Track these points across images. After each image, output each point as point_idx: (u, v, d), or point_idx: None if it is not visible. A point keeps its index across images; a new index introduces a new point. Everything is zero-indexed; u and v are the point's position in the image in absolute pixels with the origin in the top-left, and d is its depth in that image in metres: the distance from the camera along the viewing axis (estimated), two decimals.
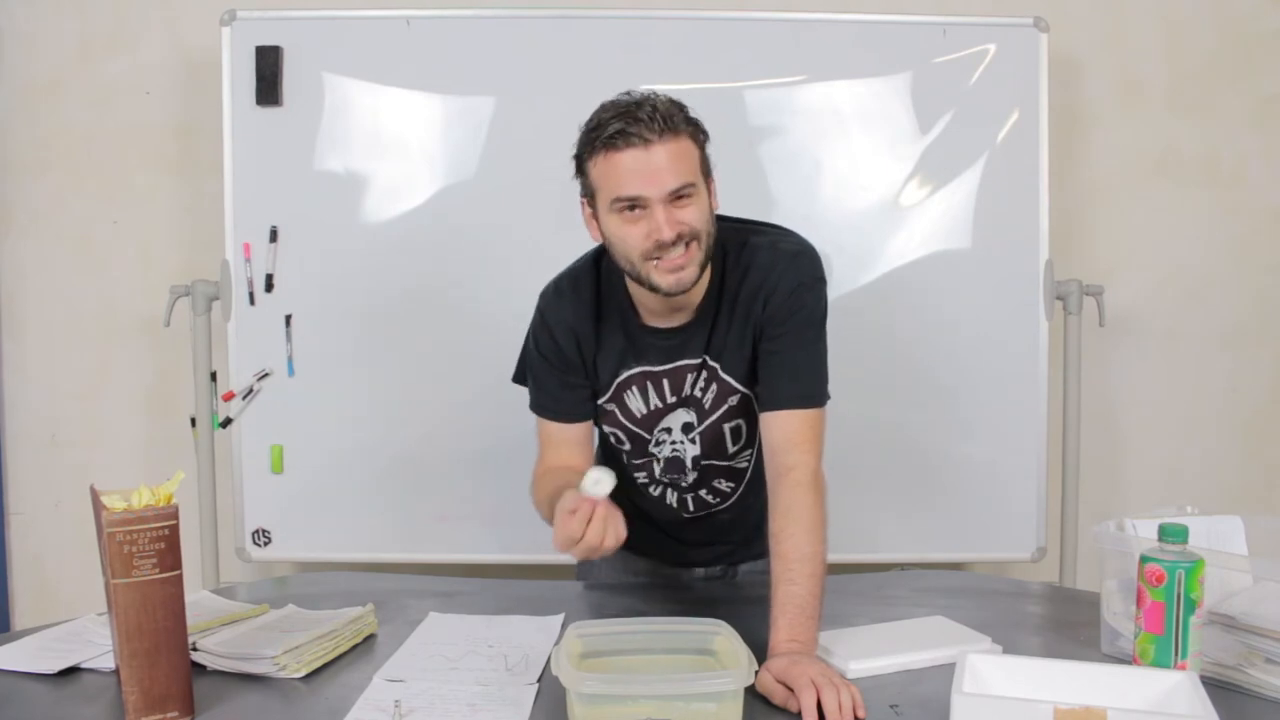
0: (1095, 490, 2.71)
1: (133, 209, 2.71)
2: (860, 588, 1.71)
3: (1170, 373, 2.79)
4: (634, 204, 1.35)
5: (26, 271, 2.73)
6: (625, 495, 1.65)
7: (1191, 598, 1.21)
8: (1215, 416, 2.81)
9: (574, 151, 1.41)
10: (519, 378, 1.64)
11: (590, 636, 1.24)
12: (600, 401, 1.56)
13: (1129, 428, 2.81)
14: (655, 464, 1.60)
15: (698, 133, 1.40)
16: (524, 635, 1.43)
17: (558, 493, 1.37)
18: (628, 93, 1.39)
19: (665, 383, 1.52)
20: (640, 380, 1.53)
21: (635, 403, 1.54)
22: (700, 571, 1.78)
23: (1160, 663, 1.22)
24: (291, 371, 2.42)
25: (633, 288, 1.48)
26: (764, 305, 1.47)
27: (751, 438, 1.58)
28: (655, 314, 1.49)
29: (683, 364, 1.51)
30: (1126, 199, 2.76)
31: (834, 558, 2.39)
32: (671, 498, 1.64)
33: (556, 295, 1.54)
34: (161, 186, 2.71)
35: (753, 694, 1.20)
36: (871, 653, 1.32)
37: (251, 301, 2.41)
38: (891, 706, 1.19)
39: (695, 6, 2.48)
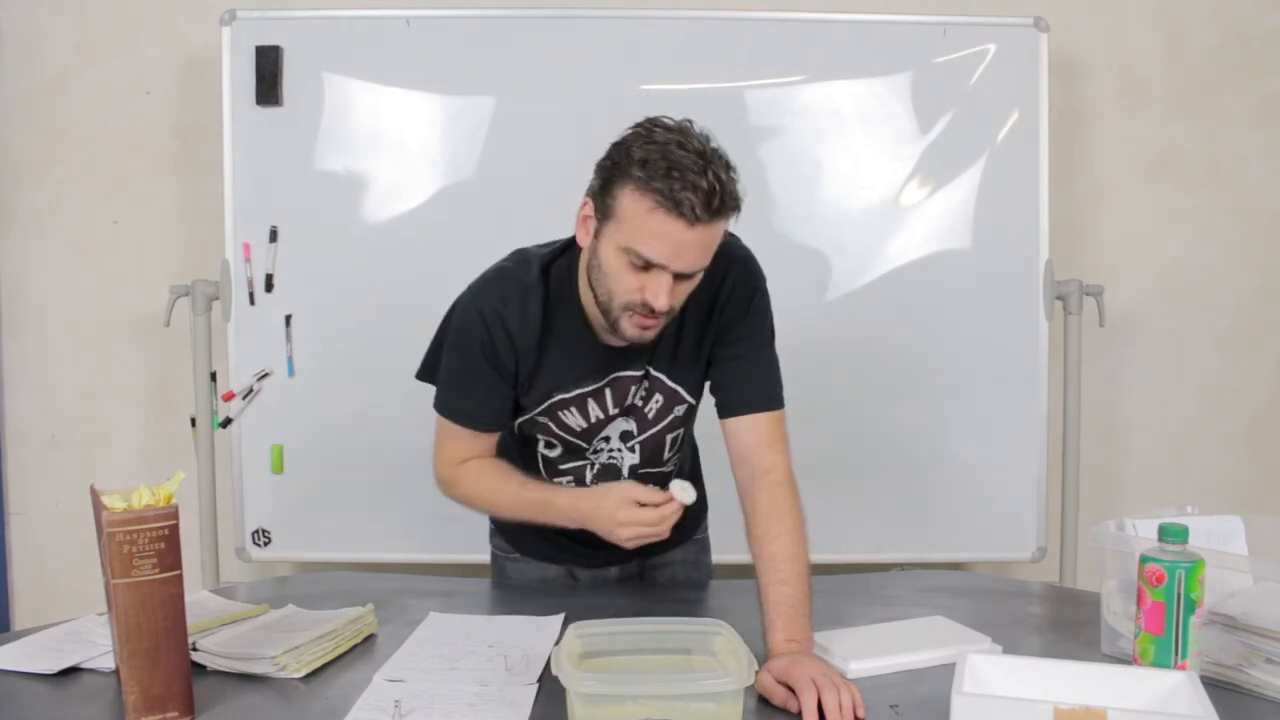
0: (1095, 490, 2.71)
1: (133, 209, 2.71)
2: (860, 588, 1.71)
3: (1170, 373, 2.79)
4: (647, 264, 1.30)
5: (26, 271, 2.73)
6: None
7: (1191, 598, 1.21)
8: (1215, 416, 2.81)
9: (608, 158, 1.32)
10: (425, 375, 1.58)
11: (590, 636, 1.24)
12: (531, 414, 1.51)
13: (1129, 428, 2.81)
14: (588, 469, 1.56)
15: (736, 210, 1.32)
16: (524, 635, 1.43)
17: (513, 480, 1.47)
18: (689, 122, 1.30)
19: (608, 394, 1.49)
20: (579, 401, 1.49)
21: (573, 419, 1.51)
22: (615, 571, 1.75)
23: (1160, 663, 1.22)
24: (291, 371, 2.42)
25: (585, 299, 1.43)
26: (721, 312, 1.47)
27: (682, 445, 1.60)
28: (607, 330, 1.44)
29: (625, 375, 1.48)
30: (1126, 199, 2.76)
31: (834, 558, 2.39)
32: None
33: (502, 301, 1.44)
34: (161, 186, 2.71)
35: (753, 694, 1.20)
36: (871, 653, 1.32)
37: (251, 301, 2.41)
38: (891, 706, 1.19)
39: (695, 6, 2.48)
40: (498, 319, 1.44)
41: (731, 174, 1.29)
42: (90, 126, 2.70)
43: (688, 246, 1.29)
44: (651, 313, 1.33)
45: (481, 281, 1.49)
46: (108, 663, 1.28)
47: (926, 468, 2.48)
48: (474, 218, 2.41)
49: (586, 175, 2.58)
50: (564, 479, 1.58)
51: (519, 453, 1.59)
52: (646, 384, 1.50)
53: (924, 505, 2.48)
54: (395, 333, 2.43)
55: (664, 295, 1.31)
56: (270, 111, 2.38)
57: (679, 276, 1.32)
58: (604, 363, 1.47)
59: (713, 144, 1.30)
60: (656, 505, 1.35)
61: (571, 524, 1.43)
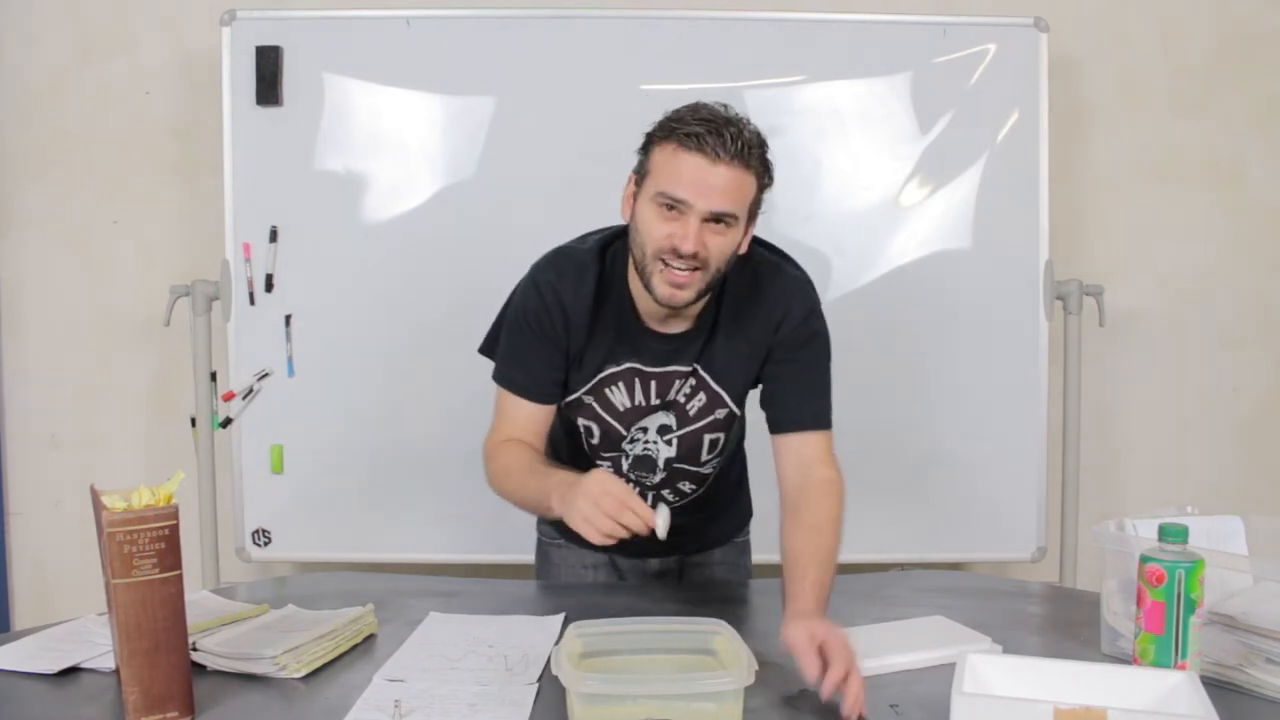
0: (1095, 490, 2.71)
1: (133, 209, 2.71)
2: (860, 588, 1.72)
3: (1170, 373, 2.79)
4: (674, 205, 1.35)
5: (26, 271, 2.73)
6: None
7: (1191, 598, 1.21)
8: (1215, 416, 2.81)
9: (646, 136, 1.41)
10: (489, 350, 1.62)
11: (590, 636, 1.24)
12: (578, 393, 1.55)
13: (1129, 428, 2.81)
14: (624, 459, 1.60)
15: (764, 174, 1.40)
16: (524, 635, 1.43)
17: (528, 465, 1.46)
18: (725, 106, 1.40)
19: (653, 384, 1.52)
20: (628, 376, 1.52)
21: (619, 397, 1.54)
22: (655, 563, 1.78)
23: (1160, 663, 1.22)
24: (291, 371, 2.42)
25: (634, 286, 1.48)
26: (776, 330, 1.50)
27: (724, 449, 1.61)
28: (654, 318, 1.49)
29: (673, 369, 1.51)
30: (1126, 199, 2.76)
31: None
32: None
33: (558, 276, 1.50)
34: (161, 186, 2.71)
35: (753, 694, 1.20)
36: (871, 653, 1.32)
37: (251, 301, 2.41)
38: (891, 706, 1.19)
39: (695, 6, 2.48)
40: (552, 292, 1.49)
41: (759, 135, 1.38)
42: (90, 127, 2.70)
43: (712, 187, 1.34)
44: (681, 259, 1.36)
45: (542, 259, 1.55)
46: (108, 663, 1.28)
47: (926, 468, 2.48)
48: (474, 218, 2.41)
49: (587, 174, 2.59)
50: (604, 464, 1.60)
51: (565, 439, 1.63)
52: (693, 381, 1.52)
53: (924, 505, 2.48)
54: (395, 332, 2.43)
55: (691, 237, 1.35)
56: (270, 111, 2.38)
57: (710, 220, 1.35)
58: (654, 348, 1.51)
59: (746, 119, 1.39)
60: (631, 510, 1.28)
61: (557, 503, 1.36)
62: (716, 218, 1.36)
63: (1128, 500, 2.77)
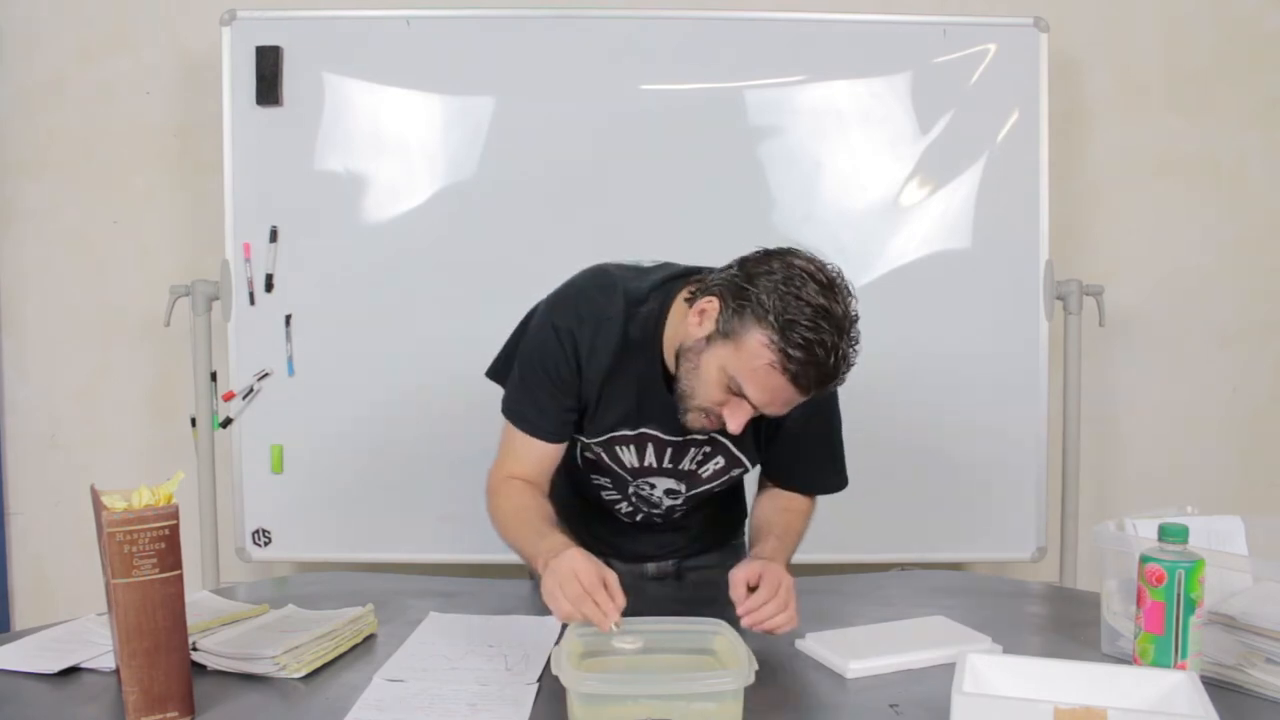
0: (1095, 490, 2.71)
1: (133, 209, 2.71)
2: (860, 588, 1.72)
3: (1170, 373, 2.79)
4: (742, 396, 1.33)
5: (26, 271, 2.73)
6: (586, 496, 1.65)
7: (1191, 598, 1.21)
8: (1215, 416, 2.81)
9: (751, 286, 1.30)
10: (497, 375, 1.59)
11: (590, 636, 1.24)
12: (588, 440, 1.53)
13: (1129, 428, 2.81)
14: (629, 498, 1.61)
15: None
16: (524, 635, 1.43)
17: (529, 516, 1.44)
18: (841, 311, 1.34)
19: (669, 450, 1.51)
20: (640, 440, 1.50)
21: (628, 456, 1.52)
22: (651, 567, 1.77)
23: (1160, 663, 1.22)
24: (291, 371, 2.42)
25: (670, 358, 1.43)
26: (778, 420, 1.46)
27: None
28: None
29: (692, 438, 1.48)
30: (1126, 199, 2.76)
31: (834, 558, 2.39)
32: (627, 508, 1.65)
33: (578, 323, 1.43)
34: (161, 186, 2.71)
35: (752, 694, 1.20)
36: (871, 653, 1.32)
37: (251, 301, 2.41)
38: (891, 706, 1.19)
39: (695, 6, 2.48)
40: (570, 338, 1.43)
41: (856, 346, 1.36)
42: (90, 126, 2.70)
43: (788, 403, 1.34)
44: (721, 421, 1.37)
45: (561, 297, 1.48)
46: (108, 663, 1.28)
47: (926, 468, 2.48)
48: (474, 218, 2.41)
49: (587, 174, 2.58)
50: (603, 478, 1.60)
51: (565, 456, 1.60)
52: (708, 448, 1.52)
53: (924, 505, 2.48)
54: (395, 332, 2.43)
55: (741, 424, 1.35)
56: (270, 111, 2.38)
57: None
58: (673, 417, 1.43)
59: (854, 307, 1.36)
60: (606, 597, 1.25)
61: (541, 569, 1.33)
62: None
63: (1128, 500, 2.77)
